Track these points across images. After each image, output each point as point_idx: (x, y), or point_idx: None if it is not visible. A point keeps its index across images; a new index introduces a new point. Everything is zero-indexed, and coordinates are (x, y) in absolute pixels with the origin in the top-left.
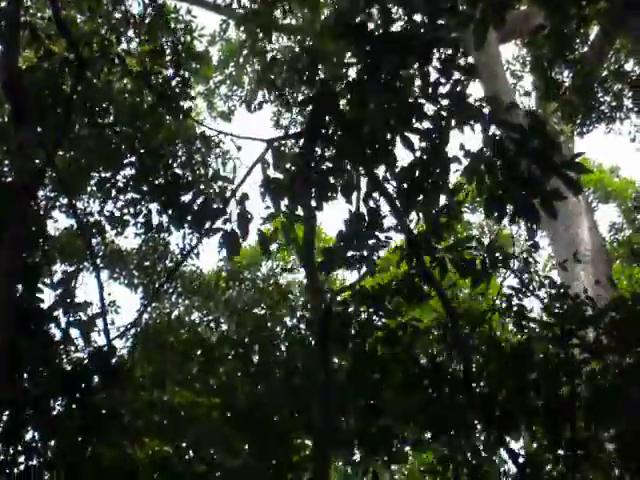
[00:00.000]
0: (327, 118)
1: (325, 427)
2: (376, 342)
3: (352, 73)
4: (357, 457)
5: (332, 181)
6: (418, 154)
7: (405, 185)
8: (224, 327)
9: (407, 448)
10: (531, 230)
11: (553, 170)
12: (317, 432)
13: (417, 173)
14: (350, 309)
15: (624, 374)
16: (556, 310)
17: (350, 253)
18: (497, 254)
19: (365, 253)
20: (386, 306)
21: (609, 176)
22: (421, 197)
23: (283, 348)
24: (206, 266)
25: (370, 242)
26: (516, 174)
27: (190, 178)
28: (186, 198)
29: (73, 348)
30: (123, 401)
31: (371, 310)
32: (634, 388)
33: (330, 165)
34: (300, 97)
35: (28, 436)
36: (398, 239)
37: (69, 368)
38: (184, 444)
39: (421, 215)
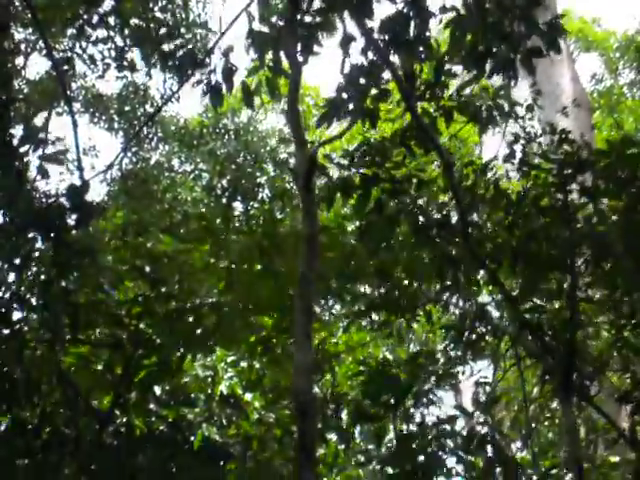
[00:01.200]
0: None
1: (306, 278)
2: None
3: None
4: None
5: (318, 34)
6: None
7: (386, 37)
8: (205, 176)
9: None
10: (508, 85)
11: (534, 28)
12: (300, 281)
13: (397, 27)
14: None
15: (620, 216)
16: (555, 156)
17: (351, 106)
18: (503, 102)
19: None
20: (390, 158)
21: (590, 26)
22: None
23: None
24: (187, 113)
25: (371, 92)
26: (497, 31)
27: (171, 23)
28: (169, 46)
29: (46, 187)
30: (98, 239)
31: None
32: (629, 230)
33: (317, 19)
34: None
35: None
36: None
37: (42, 205)
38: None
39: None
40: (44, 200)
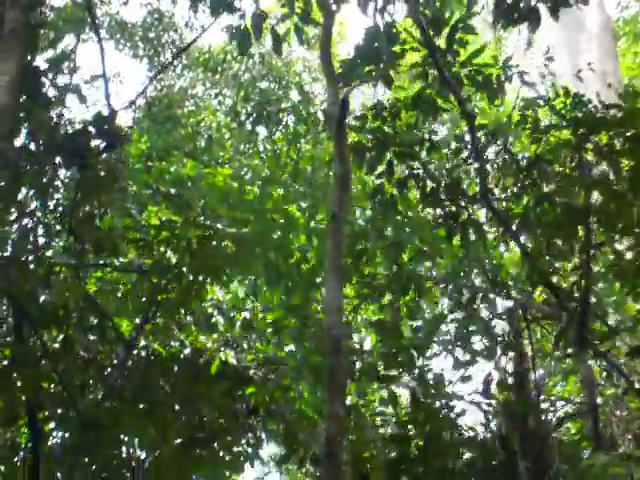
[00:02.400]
0: None
1: (337, 217)
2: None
3: None
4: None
5: None
6: None
7: None
8: (229, 101)
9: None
10: (532, 33)
11: None
12: (331, 220)
13: None
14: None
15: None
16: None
17: (367, 68)
18: (513, 68)
19: (381, 66)
20: (402, 120)
21: None
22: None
23: (290, 123)
24: (211, 39)
25: (387, 56)
26: None
27: None
28: None
29: (74, 115)
30: (124, 165)
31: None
32: None
33: None
34: None
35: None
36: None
37: (68, 131)
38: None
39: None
40: (70, 126)
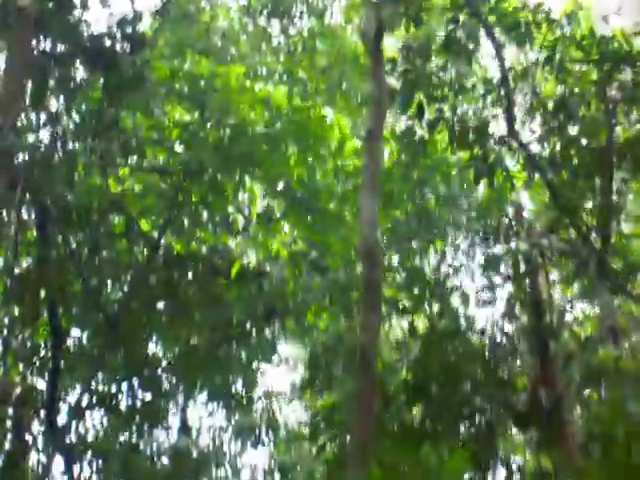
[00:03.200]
0: None
1: (372, 135)
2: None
3: None
4: None
5: None
6: None
7: None
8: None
9: None
10: None
11: None
12: (366, 139)
13: None
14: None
15: None
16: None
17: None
18: (542, 14)
19: None
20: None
21: None
22: None
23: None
24: None
25: None
26: None
27: None
28: None
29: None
30: (147, 67)
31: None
32: None
33: None
34: None
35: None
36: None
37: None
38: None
39: None
40: (94, 29)
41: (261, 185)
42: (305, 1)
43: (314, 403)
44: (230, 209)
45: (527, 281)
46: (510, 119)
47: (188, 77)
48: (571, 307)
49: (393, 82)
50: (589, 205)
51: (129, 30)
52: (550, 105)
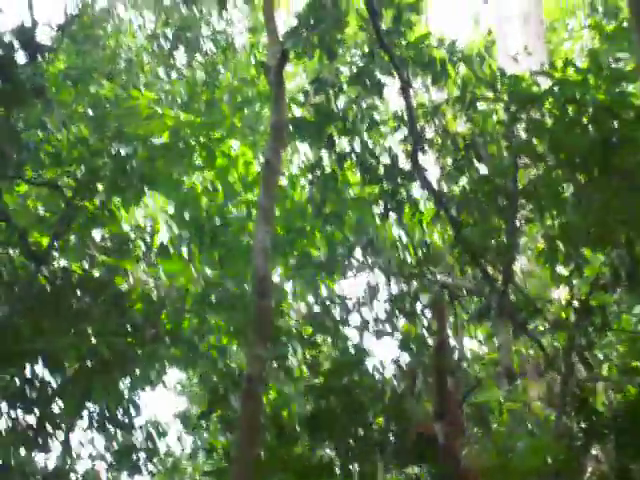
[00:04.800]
0: None
1: (270, 165)
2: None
3: None
4: None
5: None
6: None
7: None
8: (149, 25)
9: None
10: None
11: None
12: (265, 167)
13: None
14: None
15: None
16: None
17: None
18: (457, 53)
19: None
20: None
21: None
22: None
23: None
24: None
25: (329, 24)
26: None
27: None
28: None
29: None
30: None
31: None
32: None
33: None
34: None
35: None
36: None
37: None
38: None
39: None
40: None
41: (164, 210)
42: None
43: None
44: (132, 234)
45: (431, 318)
46: (415, 156)
47: (93, 100)
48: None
49: (306, 114)
50: (493, 243)
51: (27, 38)
52: (460, 143)
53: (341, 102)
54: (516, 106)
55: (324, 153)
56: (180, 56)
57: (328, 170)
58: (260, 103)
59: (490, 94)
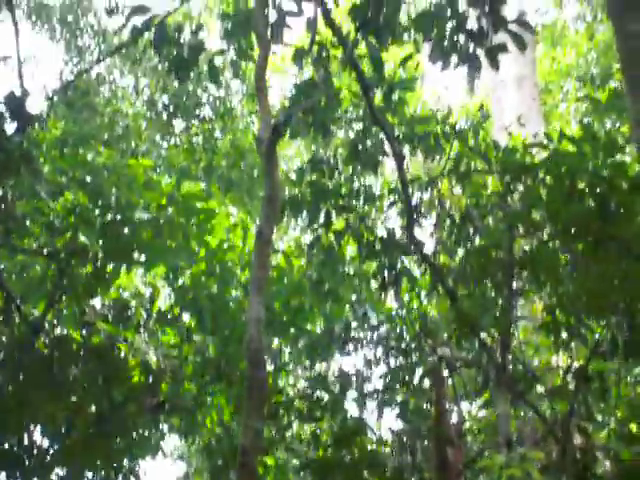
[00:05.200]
0: None
1: (263, 236)
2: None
3: None
4: None
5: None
6: None
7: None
8: (147, 91)
9: None
10: (471, 78)
11: (501, 24)
12: (257, 238)
13: (369, 12)
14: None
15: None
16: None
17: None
18: (449, 128)
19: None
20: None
21: None
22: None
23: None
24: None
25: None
26: (463, 25)
27: None
28: None
29: None
30: (37, 148)
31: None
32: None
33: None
34: None
35: None
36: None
37: None
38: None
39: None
40: None
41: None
42: (208, 99)
43: None
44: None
45: (429, 389)
46: (410, 229)
47: (90, 167)
48: (473, 415)
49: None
50: (490, 314)
51: (17, 108)
52: (455, 215)
53: (337, 178)
54: (510, 177)
55: (321, 230)
56: (178, 122)
57: (326, 246)
58: (258, 170)
59: (484, 165)
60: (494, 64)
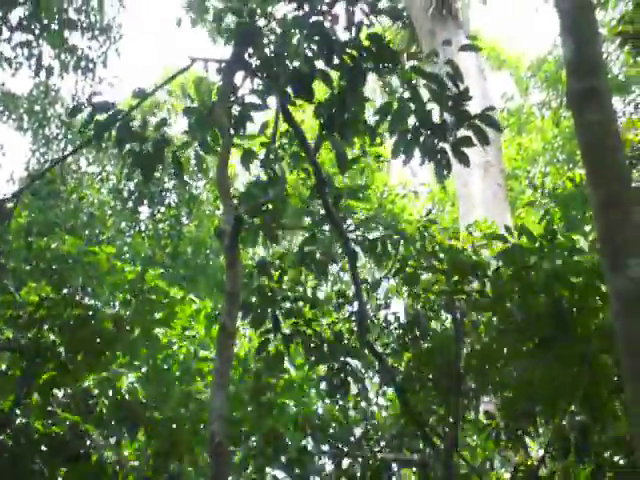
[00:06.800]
0: (251, 50)
1: (226, 331)
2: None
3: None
4: None
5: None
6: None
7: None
8: (113, 180)
9: None
10: (440, 174)
11: (465, 119)
12: (220, 334)
13: (334, 110)
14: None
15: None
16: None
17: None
18: (396, 234)
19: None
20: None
21: (502, 46)
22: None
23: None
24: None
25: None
26: (427, 120)
27: (85, 25)
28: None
29: None
30: (4, 240)
31: None
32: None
33: (252, 99)
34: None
35: None
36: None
37: None
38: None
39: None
40: None
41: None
42: (174, 186)
43: None
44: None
45: None
46: (362, 329)
47: (55, 255)
48: None
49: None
50: (438, 413)
51: None
52: (401, 319)
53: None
54: (456, 277)
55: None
56: (143, 209)
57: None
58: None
59: (430, 264)
60: (463, 159)
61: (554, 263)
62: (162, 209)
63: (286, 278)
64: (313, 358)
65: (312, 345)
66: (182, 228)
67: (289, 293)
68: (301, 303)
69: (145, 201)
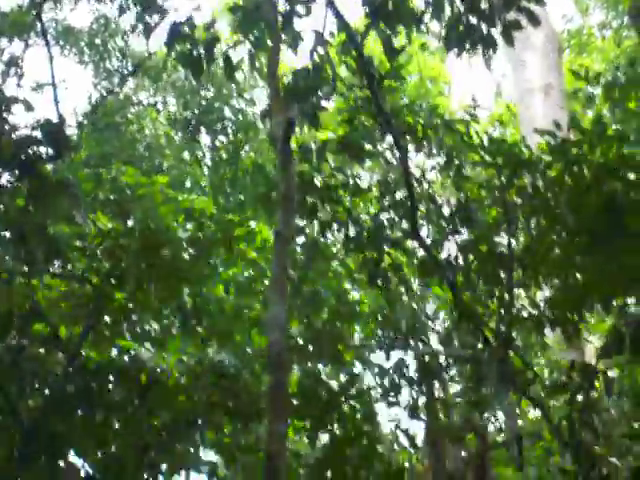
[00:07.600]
0: None
1: (282, 236)
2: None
3: None
4: None
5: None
6: None
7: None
8: (172, 108)
9: None
10: (488, 59)
11: (513, 2)
12: (276, 238)
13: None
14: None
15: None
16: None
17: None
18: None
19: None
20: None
21: None
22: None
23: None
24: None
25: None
26: (476, 7)
27: None
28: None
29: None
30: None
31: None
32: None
33: None
34: None
35: None
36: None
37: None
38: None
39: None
40: (15, 133)
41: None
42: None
43: None
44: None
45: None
46: (413, 221)
47: (114, 186)
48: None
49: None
50: (491, 308)
51: (54, 135)
52: (447, 210)
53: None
54: (509, 170)
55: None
56: (202, 138)
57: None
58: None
59: (478, 158)
60: (509, 41)
61: (606, 156)
62: (222, 138)
63: (327, 165)
64: (352, 246)
65: (351, 234)
66: (239, 156)
67: (328, 180)
68: (341, 192)
69: (204, 130)
